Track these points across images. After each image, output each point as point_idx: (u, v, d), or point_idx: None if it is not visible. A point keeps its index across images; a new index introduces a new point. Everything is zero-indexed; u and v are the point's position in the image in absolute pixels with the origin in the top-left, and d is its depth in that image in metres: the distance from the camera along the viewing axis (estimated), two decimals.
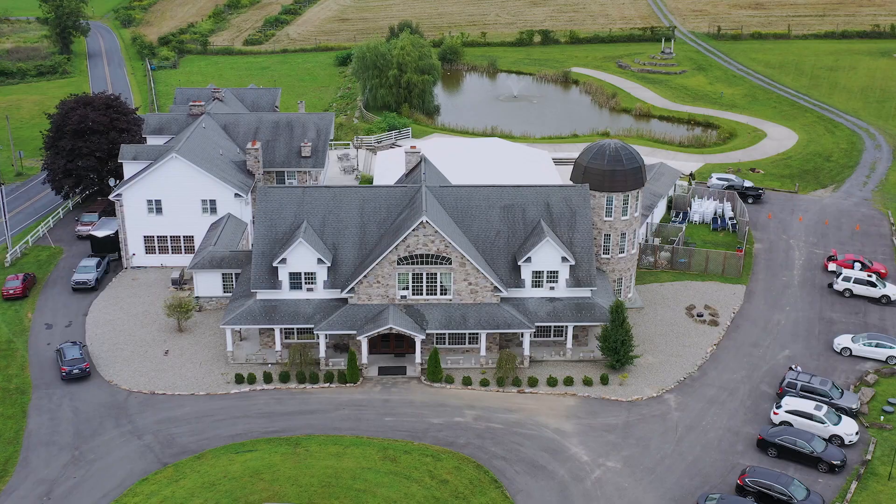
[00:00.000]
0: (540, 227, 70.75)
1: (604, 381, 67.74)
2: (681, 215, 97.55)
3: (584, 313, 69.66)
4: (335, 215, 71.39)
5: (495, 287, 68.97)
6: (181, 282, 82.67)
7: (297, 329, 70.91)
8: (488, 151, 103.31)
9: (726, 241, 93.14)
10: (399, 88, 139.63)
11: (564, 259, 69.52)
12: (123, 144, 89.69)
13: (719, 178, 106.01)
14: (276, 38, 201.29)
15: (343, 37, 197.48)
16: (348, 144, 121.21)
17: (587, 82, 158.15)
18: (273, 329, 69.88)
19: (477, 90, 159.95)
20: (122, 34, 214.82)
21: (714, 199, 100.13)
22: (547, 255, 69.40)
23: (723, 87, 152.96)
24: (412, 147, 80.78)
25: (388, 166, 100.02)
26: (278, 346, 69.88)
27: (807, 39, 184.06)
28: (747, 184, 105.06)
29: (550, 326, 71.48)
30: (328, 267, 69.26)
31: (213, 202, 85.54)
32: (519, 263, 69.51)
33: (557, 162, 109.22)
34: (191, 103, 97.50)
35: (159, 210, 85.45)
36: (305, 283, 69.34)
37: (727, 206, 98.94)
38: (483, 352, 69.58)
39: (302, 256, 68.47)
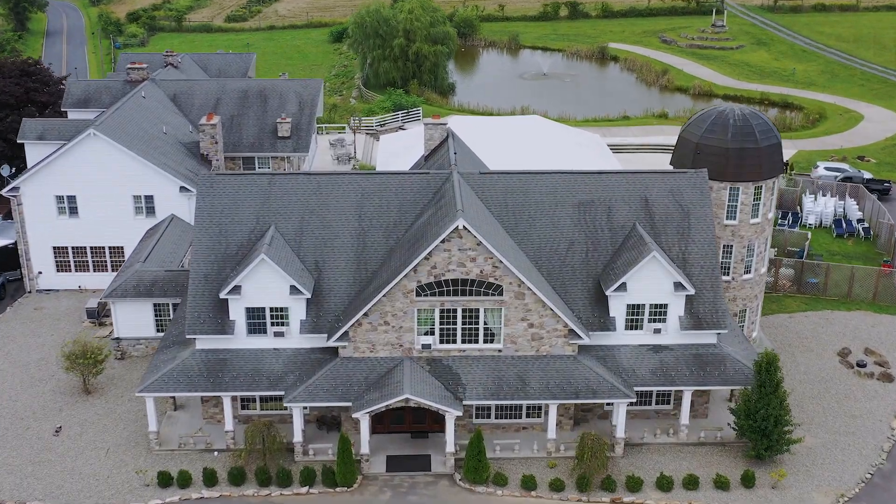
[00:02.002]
0: (637, 236, 45.58)
1: (747, 481, 42.38)
2: (789, 216, 72.19)
3: (709, 371, 44.38)
4: (319, 217, 46.21)
5: (570, 330, 43.75)
6: (101, 314, 57.51)
7: (260, 397, 45.64)
8: (529, 132, 77.85)
9: (859, 251, 68.00)
10: (406, 61, 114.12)
11: (679, 286, 44.26)
12: (26, 119, 64.32)
13: (828, 169, 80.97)
14: (262, 15, 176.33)
15: (339, 13, 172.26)
16: (343, 128, 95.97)
17: (629, 59, 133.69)
18: (221, 397, 44.57)
19: (497, 68, 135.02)
20: (90, 13, 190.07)
21: (832, 195, 75.10)
22: (651, 280, 44.16)
23: (792, 63, 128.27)
24: (434, 117, 55.46)
25: (394, 153, 74.99)
26: (229, 424, 44.54)
27: (879, 11, 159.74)
28: (867, 175, 79.99)
29: (654, 391, 46.18)
30: (307, 299, 44.05)
31: (149, 199, 60.32)
32: (607, 293, 44.28)
33: (612, 149, 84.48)
34: (128, 66, 72.18)
35: (73, 210, 60.26)
36: (272, 324, 44.21)
37: (850, 203, 73.86)
38: (552, 432, 44.24)
39: (266, 282, 43.28)
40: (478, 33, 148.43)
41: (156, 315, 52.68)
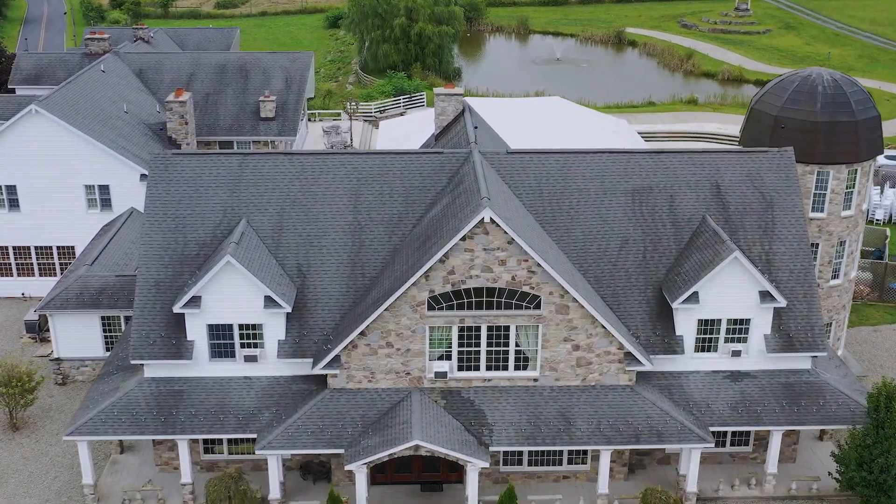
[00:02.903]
0: (709, 232, 35.73)
1: None
2: None
3: (805, 406, 34.50)
4: (303, 209, 36.36)
5: (627, 353, 33.89)
6: (43, 328, 47.65)
7: (227, 440, 35.78)
8: (550, 114, 68.15)
9: None
10: (408, 43, 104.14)
11: (766, 296, 34.38)
12: None
13: (889, 157, 71.33)
14: (254, 1, 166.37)
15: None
16: (339, 114, 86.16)
17: (648, 43, 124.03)
18: (176, 441, 34.63)
19: (505, 53, 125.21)
20: (73, 0, 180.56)
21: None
22: (731, 289, 34.28)
23: (826, 47, 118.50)
24: (448, 86, 45.51)
25: (395, 139, 65.36)
26: (187, 475, 34.63)
27: None
28: None
29: (731, 430, 36.22)
30: (288, 314, 34.19)
31: (104, 189, 50.43)
32: (672, 305, 34.41)
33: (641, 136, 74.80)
34: (87, 36, 62.29)
35: (14, 203, 50.44)
36: (242, 346, 34.35)
37: None
38: (604, 485, 34.36)
39: (233, 291, 33.46)
40: (484, 18, 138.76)
41: (104, 330, 42.85)
